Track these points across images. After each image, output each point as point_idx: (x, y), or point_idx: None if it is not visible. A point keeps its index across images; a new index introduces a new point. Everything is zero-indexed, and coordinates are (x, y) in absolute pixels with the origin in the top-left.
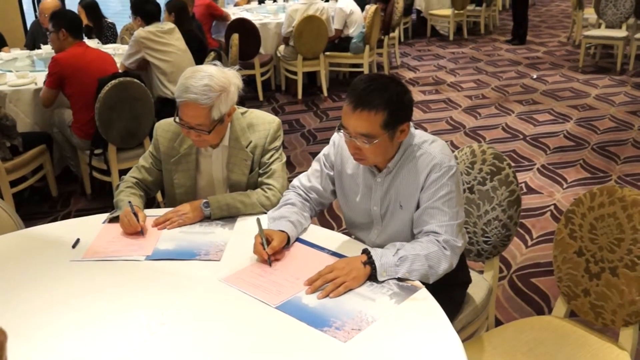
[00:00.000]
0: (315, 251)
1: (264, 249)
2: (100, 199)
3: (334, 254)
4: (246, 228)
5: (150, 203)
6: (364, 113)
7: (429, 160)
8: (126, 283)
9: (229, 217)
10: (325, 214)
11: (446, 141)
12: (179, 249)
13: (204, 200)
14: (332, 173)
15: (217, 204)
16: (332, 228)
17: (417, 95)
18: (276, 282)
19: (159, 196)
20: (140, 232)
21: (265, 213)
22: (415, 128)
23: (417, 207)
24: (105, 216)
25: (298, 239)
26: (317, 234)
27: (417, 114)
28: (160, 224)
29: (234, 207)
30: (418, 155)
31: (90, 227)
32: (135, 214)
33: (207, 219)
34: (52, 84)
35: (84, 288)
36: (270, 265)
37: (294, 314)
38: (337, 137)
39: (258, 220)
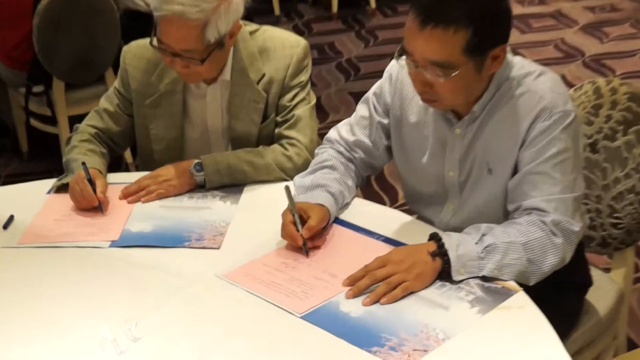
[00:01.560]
0: (360, 236)
1: (298, 230)
2: (41, 159)
3: (388, 240)
4: (257, 201)
5: (116, 165)
6: (437, 31)
7: (535, 101)
8: (82, 281)
9: (231, 185)
10: (374, 183)
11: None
12: (159, 231)
13: (196, 161)
14: (386, 121)
15: (214, 167)
16: (384, 203)
17: (512, 6)
18: (302, 281)
19: (128, 155)
20: (98, 208)
21: (286, 180)
22: (514, 54)
23: (515, 172)
24: (49, 184)
25: (337, 219)
26: (362, 211)
27: (512, 36)
28: (131, 195)
29: (238, 170)
30: (518, 95)
31: (29, 199)
32: (91, 181)
33: (200, 188)
34: None
35: (18, 289)
36: (307, 255)
37: (328, 327)
38: (395, 68)
39: (287, 189)
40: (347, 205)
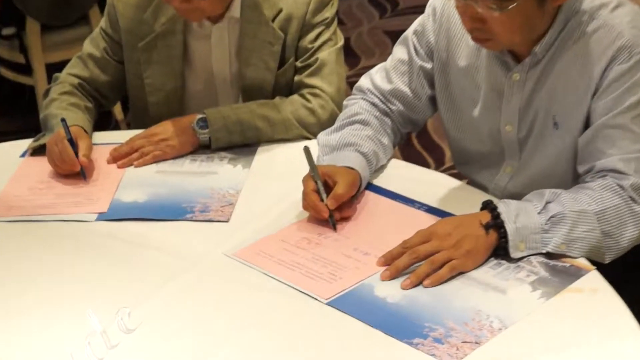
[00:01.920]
0: (397, 205)
1: (322, 199)
2: (14, 116)
3: (431, 210)
4: (273, 165)
5: (103, 122)
6: None
7: (611, 39)
8: (64, 263)
9: (242, 145)
10: (415, 141)
11: None
12: (155, 202)
13: (199, 116)
14: (429, 66)
15: (221, 122)
16: (427, 165)
17: None
18: (328, 260)
19: (118, 110)
20: (80, 174)
21: (309, 138)
22: None
23: (586, 126)
24: (24, 145)
25: (369, 185)
26: (401, 174)
27: None
28: (121, 157)
29: (251, 127)
30: (590, 32)
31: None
32: (73, 141)
33: (204, 148)
34: None
35: None
36: (334, 228)
37: (361, 315)
38: (440, 1)
39: (307, 150)
40: (382, 168)
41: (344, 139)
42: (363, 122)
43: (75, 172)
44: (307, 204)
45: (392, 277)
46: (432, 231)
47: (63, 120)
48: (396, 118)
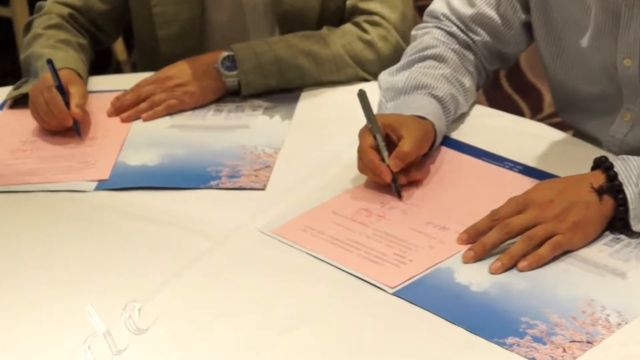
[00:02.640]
0: (483, 165)
1: (384, 159)
2: None
3: (527, 170)
4: (321, 115)
5: (101, 63)
6: None
7: None
8: (57, 244)
9: (280, 90)
10: (504, 82)
11: None
12: (170, 165)
13: (225, 54)
14: None
15: (253, 61)
16: (521, 113)
17: None
18: (394, 237)
19: (120, 49)
20: (74, 128)
21: (367, 80)
22: None
23: None
24: (2, 94)
25: (446, 140)
26: (487, 125)
27: None
28: (125, 109)
29: (291, 66)
30: None
31: None
32: (62, 88)
33: (231, 95)
34: None
35: None
36: (399, 196)
37: (437, 307)
38: None
39: (362, 95)
40: (462, 117)
41: (413, 79)
42: (438, 58)
43: (67, 128)
44: (363, 165)
45: (478, 258)
46: (529, 198)
47: (50, 61)
48: (480, 52)
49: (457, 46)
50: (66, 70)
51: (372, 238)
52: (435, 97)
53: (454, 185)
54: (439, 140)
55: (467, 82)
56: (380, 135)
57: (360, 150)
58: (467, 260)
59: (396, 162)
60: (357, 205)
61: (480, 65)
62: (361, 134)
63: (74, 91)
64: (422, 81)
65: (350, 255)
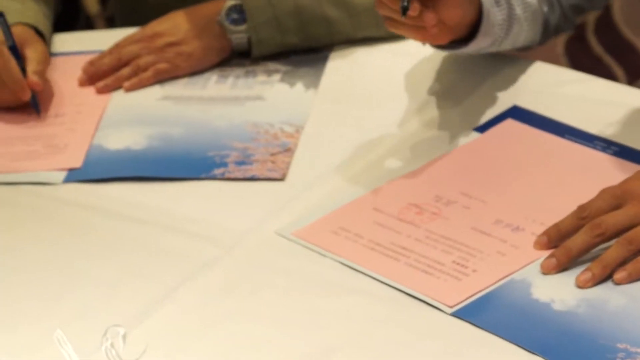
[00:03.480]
0: (566, 143)
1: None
2: None
3: (624, 152)
4: (355, 83)
5: (65, 18)
6: None
7: None
8: (18, 251)
9: (301, 50)
10: (592, 38)
11: None
12: (161, 149)
13: (230, 3)
14: None
15: (266, 12)
16: (614, 78)
17: None
18: (453, 241)
19: (90, 1)
20: (31, 104)
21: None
22: None
23: None
24: None
25: (517, 111)
26: (570, 93)
27: None
28: (102, 76)
29: (315, 18)
30: None
31: None
32: (17, 50)
33: (240, 57)
34: None
35: None
36: (404, 12)
37: (509, 331)
38: None
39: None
40: (537, 81)
41: None
42: None
43: (24, 102)
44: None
45: (562, 268)
46: (628, 189)
47: (1, 15)
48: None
49: None
50: (22, 27)
51: (425, 242)
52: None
53: (529, 172)
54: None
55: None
56: None
57: None
58: (547, 271)
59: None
60: (404, 199)
61: (562, 14)
62: None
63: (31, 54)
64: None
65: (396, 264)
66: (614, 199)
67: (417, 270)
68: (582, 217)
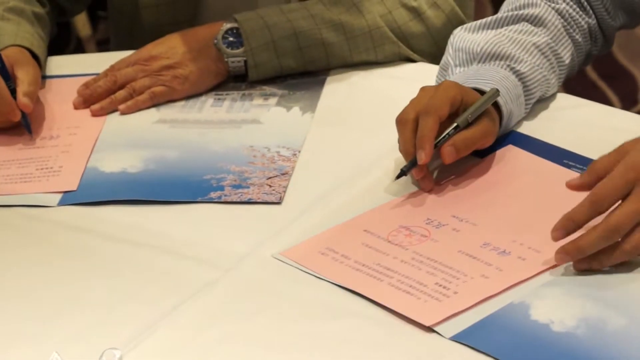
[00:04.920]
0: (565, 171)
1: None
2: None
3: None
4: (352, 107)
5: (57, 42)
6: None
7: None
8: (12, 274)
9: (300, 73)
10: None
11: None
12: (157, 172)
13: (227, 25)
14: None
15: (263, 36)
16: (608, 104)
17: None
18: (439, 264)
19: (80, 22)
20: (23, 125)
21: (412, 61)
22: None
23: None
24: None
25: (515, 137)
26: (571, 117)
27: None
28: (97, 99)
29: (313, 41)
30: None
31: None
32: (6, 72)
33: (236, 80)
34: None
35: None
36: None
37: (508, 354)
38: None
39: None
40: (534, 106)
41: (494, 44)
42: (535, 20)
43: (14, 124)
44: (404, 146)
45: (569, 261)
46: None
47: None
48: (602, 14)
49: (564, 5)
50: (15, 49)
51: (410, 264)
52: (516, 72)
53: (524, 197)
54: (503, 129)
55: (567, 55)
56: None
57: (401, 137)
58: (561, 263)
59: (451, 150)
60: (396, 221)
61: (595, 28)
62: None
63: (22, 75)
64: (505, 49)
65: (379, 284)
66: (627, 184)
67: (399, 290)
68: (598, 210)
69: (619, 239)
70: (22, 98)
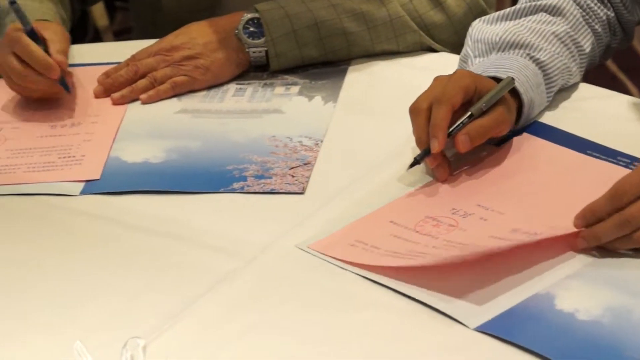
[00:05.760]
0: (589, 160)
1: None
2: None
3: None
4: (374, 96)
5: (74, 32)
6: None
7: None
8: (35, 263)
9: (321, 63)
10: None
11: None
12: (179, 162)
13: (248, 16)
14: None
15: (284, 26)
16: (627, 91)
17: None
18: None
19: (98, 12)
20: (62, 83)
21: (434, 49)
22: None
23: None
24: None
25: (538, 127)
26: (589, 108)
27: None
28: (118, 87)
29: (334, 31)
30: None
31: None
32: (35, 34)
33: (257, 70)
34: None
35: None
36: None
37: (535, 343)
38: None
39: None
40: (557, 96)
41: (513, 33)
42: (553, 10)
43: (54, 91)
44: (417, 135)
45: (586, 246)
46: None
47: (13, 1)
48: (619, 9)
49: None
50: (40, 22)
51: (443, 249)
52: (536, 60)
53: (548, 186)
54: (524, 121)
55: (587, 44)
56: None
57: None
58: (582, 246)
59: (465, 139)
60: (421, 212)
61: (614, 21)
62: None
63: (51, 35)
64: (524, 38)
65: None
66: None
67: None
68: (617, 207)
69: (631, 231)
70: (56, 55)
